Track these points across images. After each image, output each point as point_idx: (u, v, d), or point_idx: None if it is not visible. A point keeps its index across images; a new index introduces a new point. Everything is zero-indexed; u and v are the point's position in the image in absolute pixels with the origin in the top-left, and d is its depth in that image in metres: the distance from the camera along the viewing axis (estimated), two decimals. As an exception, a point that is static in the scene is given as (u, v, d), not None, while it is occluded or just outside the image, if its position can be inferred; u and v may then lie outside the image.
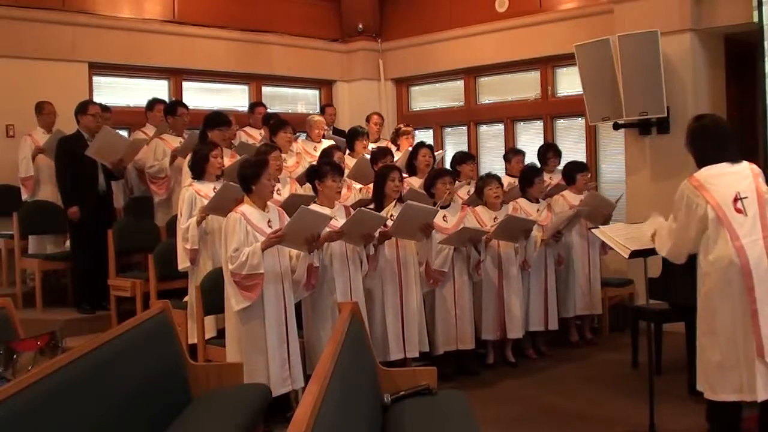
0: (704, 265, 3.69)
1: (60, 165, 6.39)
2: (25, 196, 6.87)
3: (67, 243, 6.69)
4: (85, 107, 6.48)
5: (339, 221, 4.78)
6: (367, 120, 7.97)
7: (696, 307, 3.91)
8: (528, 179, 6.31)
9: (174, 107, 6.77)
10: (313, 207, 4.76)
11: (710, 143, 3.78)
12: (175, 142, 6.50)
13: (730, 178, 3.69)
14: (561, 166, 7.16)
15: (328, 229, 4.63)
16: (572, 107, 8.16)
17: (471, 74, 9.30)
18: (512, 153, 7.32)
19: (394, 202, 5.28)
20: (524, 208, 6.22)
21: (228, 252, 4.37)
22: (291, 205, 5.35)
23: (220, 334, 4.93)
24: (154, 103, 7.21)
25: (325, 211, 4.74)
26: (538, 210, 6.24)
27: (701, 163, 3.78)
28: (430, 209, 5.22)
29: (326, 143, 6.96)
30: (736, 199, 3.64)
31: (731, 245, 3.58)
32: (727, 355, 3.61)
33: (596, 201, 6.38)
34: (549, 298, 6.21)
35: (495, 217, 5.86)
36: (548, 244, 6.14)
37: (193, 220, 5.20)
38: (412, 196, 5.49)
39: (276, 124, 6.58)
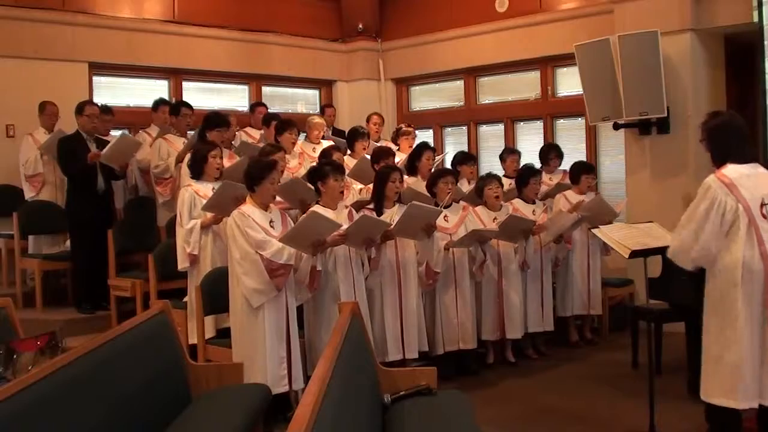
0: (728, 263, 3.59)
1: (64, 164, 6.38)
2: (32, 194, 6.85)
3: (67, 243, 6.69)
4: (81, 108, 6.49)
5: (342, 222, 4.77)
6: (367, 120, 7.97)
7: (695, 307, 3.89)
8: (524, 179, 6.29)
9: (178, 108, 6.78)
10: (317, 208, 4.77)
11: (733, 140, 3.71)
12: (178, 142, 6.51)
13: (757, 181, 3.64)
14: (562, 167, 7.19)
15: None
16: (572, 107, 8.16)
17: (471, 74, 9.30)
18: (507, 153, 7.31)
19: (395, 203, 5.28)
20: (519, 208, 6.19)
21: (252, 245, 4.34)
22: (290, 188, 5.37)
23: (220, 334, 4.93)
24: (159, 104, 7.21)
25: (329, 212, 4.74)
26: (533, 211, 6.23)
27: (722, 159, 3.70)
28: (434, 210, 5.22)
29: (326, 144, 6.96)
30: (762, 204, 3.60)
31: (757, 249, 3.54)
32: (744, 359, 3.55)
33: (599, 207, 6.34)
34: (545, 299, 6.19)
35: (495, 218, 5.86)
36: (547, 247, 6.15)
37: (198, 223, 5.20)
38: (410, 196, 5.49)
39: (282, 124, 6.59)
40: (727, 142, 3.73)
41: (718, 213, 3.59)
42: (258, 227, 4.40)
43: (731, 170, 3.65)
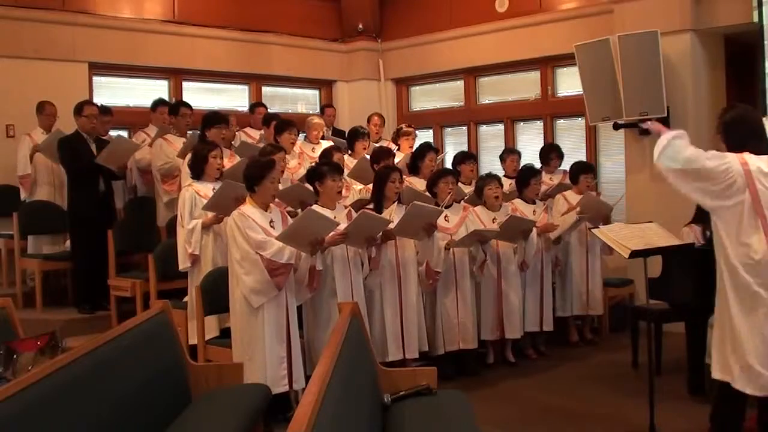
0: (735, 256, 3.57)
1: (68, 163, 6.38)
2: (23, 196, 6.87)
3: (67, 243, 6.69)
4: (80, 108, 6.48)
5: (342, 225, 4.77)
6: (368, 121, 7.98)
7: (695, 307, 3.89)
8: (524, 180, 6.30)
9: (177, 107, 6.77)
10: (316, 208, 4.77)
11: (749, 132, 3.70)
12: (178, 142, 6.50)
13: None
14: (562, 167, 7.18)
15: (332, 233, 4.63)
16: (572, 107, 8.16)
17: (471, 74, 9.30)
18: (507, 153, 7.31)
19: (394, 203, 5.28)
20: (520, 209, 6.21)
21: (251, 245, 4.34)
22: (291, 194, 5.37)
23: (223, 333, 4.93)
24: (158, 104, 7.21)
25: (327, 212, 4.74)
26: (534, 211, 6.24)
27: (739, 150, 3.67)
28: (435, 209, 5.23)
29: (325, 144, 6.97)
30: None
31: (765, 241, 3.53)
32: (755, 351, 3.53)
33: (593, 204, 6.37)
34: (545, 299, 6.20)
35: (494, 218, 5.87)
36: (548, 247, 6.16)
37: (199, 223, 5.20)
38: (410, 195, 5.49)
39: (281, 124, 6.59)
40: (744, 133, 3.71)
41: (727, 180, 3.54)
42: (258, 227, 4.39)
43: (749, 158, 3.63)
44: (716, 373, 3.66)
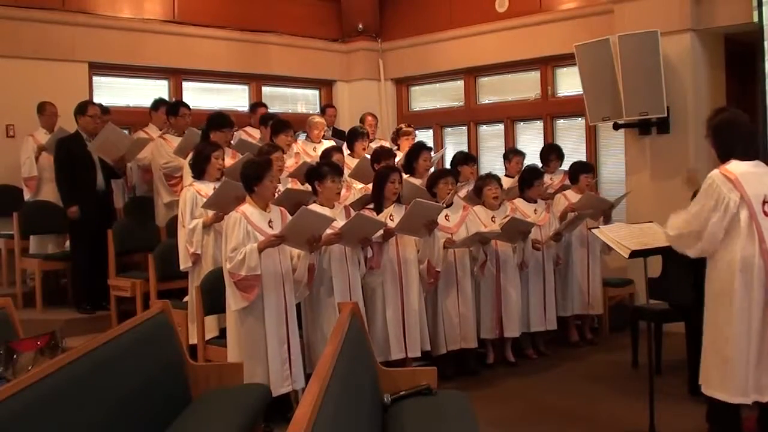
0: (729, 260, 3.60)
1: (60, 164, 6.40)
2: (27, 196, 6.87)
3: (67, 243, 6.69)
4: (84, 108, 6.49)
5: (339, 222, 4.78)
6: (361, 121, 7.96)
7: (695, 307, 3.88)
8: (528, 181, 6.30)
9: (176, 107, 6.77)
10: (314, 207, 4.77)
11: (738, 136, 3.72)
12: (176, 142, 6.50)
13: (760, 178, 3.64)
14: (563, 167, 7.19)
15: (329, 231, 4.63)
16: (572, 107, 8.16)
17: (471, 74, 9.30)
18: (512, 153, 7.31)
19: (393, 203, 5.28)
20: (521, 208, 6.21)
21: (226, 251, 4.38)
22: (286, 200, 5.36)
23: (223, 333, 4.93)
24: (159, 104, 7.21)
25: (326, 212, 4.74)
26: (535, 211, 6.24)
27: (726, 156, 3.71)
28: (437, 206, 5.24)
29: (326, 144, 6.95)
30: (764, 202, 3.60)
31: (757, 247, 3.54)
32: (740, 355, 3.56)
33: (592, 202, 6.37)
34: (548, 298, 6.21)
35: (493, 217, 5.87)
36: (548, 245, 6.17)
37: (200, 222, 5.20)
38: (410, 193, 5.49)
39: (278, 125, 6.55)
40: (732, 138, 3.73)
41: (721, 208, 3.58)
42: (245, 231, 4.37)
43: (735, 166, 3.66)
44: (715, 392, 3.69)
